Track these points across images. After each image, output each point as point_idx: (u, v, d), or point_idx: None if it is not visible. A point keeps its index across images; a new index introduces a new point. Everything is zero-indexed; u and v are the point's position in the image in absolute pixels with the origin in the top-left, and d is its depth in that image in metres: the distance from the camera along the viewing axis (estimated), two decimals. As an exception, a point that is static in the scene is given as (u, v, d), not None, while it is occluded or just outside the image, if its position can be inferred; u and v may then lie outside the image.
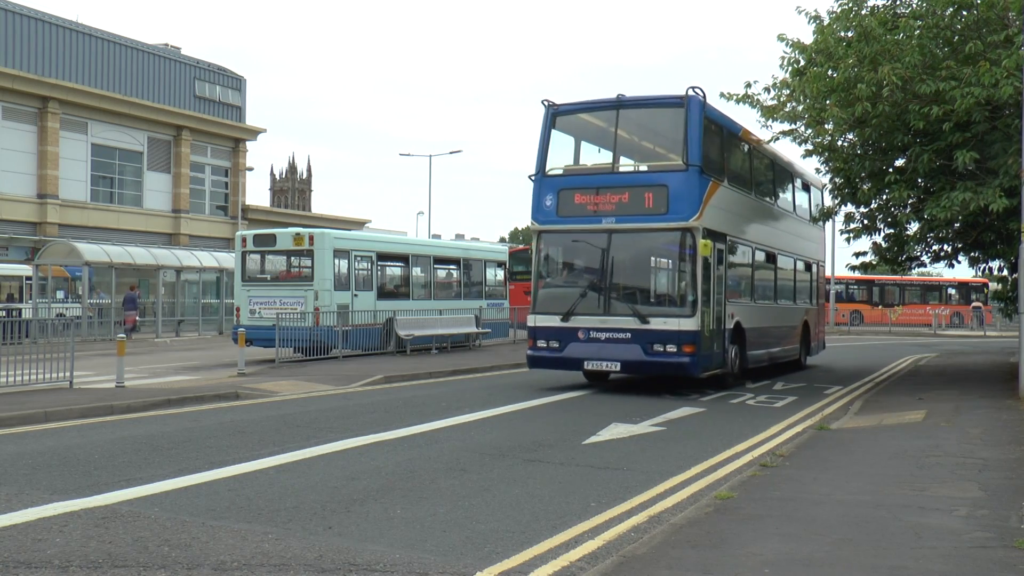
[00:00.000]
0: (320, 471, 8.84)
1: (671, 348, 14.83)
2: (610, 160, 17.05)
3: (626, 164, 17.45)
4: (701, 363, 14.94)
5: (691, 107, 15.69)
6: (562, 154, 17.42)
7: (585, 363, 15.90)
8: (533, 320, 16.58)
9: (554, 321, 16.17)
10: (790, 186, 22.90)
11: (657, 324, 14.88)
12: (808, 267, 24.21)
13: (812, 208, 24.31)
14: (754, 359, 18.13)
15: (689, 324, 14.66)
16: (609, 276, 15.91)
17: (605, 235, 15.85)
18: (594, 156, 17.76)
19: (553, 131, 17.05)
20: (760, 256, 19.10)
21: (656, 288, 16.04)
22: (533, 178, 16.86)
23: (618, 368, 15.63)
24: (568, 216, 16.35)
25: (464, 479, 8.59)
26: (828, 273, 54.43)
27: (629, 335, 15.27)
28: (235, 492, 7.81)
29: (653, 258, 16.26)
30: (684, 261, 14.99)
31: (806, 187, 24.23)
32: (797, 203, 23.37)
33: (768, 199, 20.47)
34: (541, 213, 16.64)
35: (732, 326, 16.30)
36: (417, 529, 6.73)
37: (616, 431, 11.64)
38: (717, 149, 16.91)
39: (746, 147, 18.92)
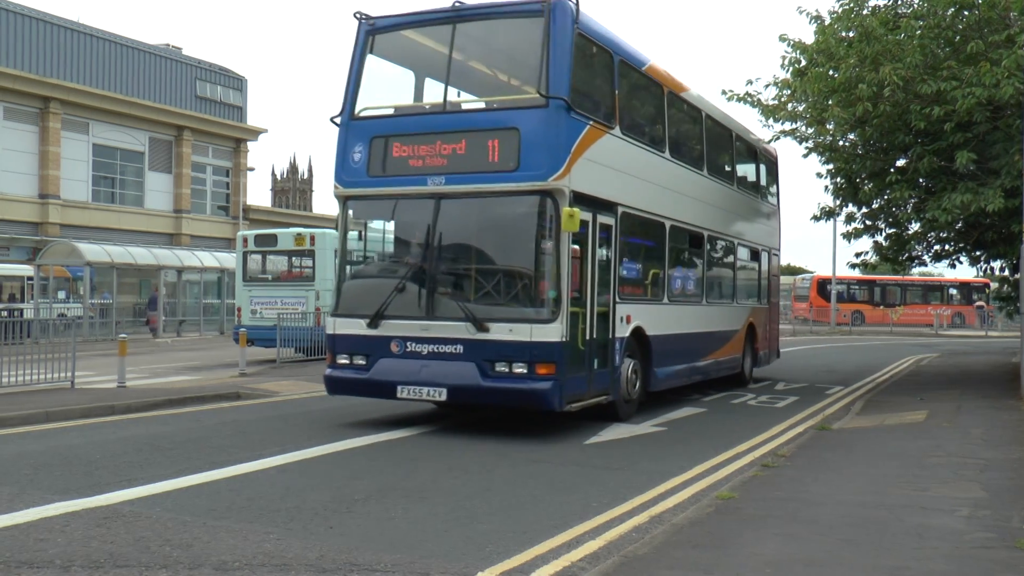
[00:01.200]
0: (322, 471, 8.83)
1: (519, 369, 10.70)
2: (441, 96, 12.08)
3: (467, 101, 12.83)
4: (567, 389, 10.88)
5: (555, 16, 11.10)
6: (388, 91, 12.75)
7: (398, 389, 11.19)
8: (332, 325, 12.00)
9: (359, 327, 11.63)
10: (729, 151, 18.27)
11: (500, 333, 10.75)
12: (755, 255, 19.90)
13: (762, 182, 20.71)
14: (666, 377, 14.21)
15: (547, 332, 10.61)
16: (435, 263, 11.39)
17: (431, 202, 11.36)
18: (433, 93, 12.58)
19: (369, 57, 12.35)
20: (678, 238, 14.92)
21: (502, 280, 11.29)
22: (338, 123, 12.24)
23: (443, 397, 10.99)
24: (383, 176, 11.73)
25: (466, 479, 8.60)
26: (828, 272, 54.98)
27: (461, 348, 11.01)
28: (236, 492, 7.78)
29: (498, 236, 11.60)
30: (543, 240, 10.88)
31: (753, 155, 20.01)
32: (740, 173, 19.03)
33: (693, 164, 15.61)
34: (346, 172, 11.97)
35: (628, 333, 12.56)
36: (418, 529, 6.72)
37: (617, 431, 11.76)
38: (602, 82, 12.54)
39: (658, 90, 14.30)
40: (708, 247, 16.50)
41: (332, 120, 12.35)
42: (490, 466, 9.32)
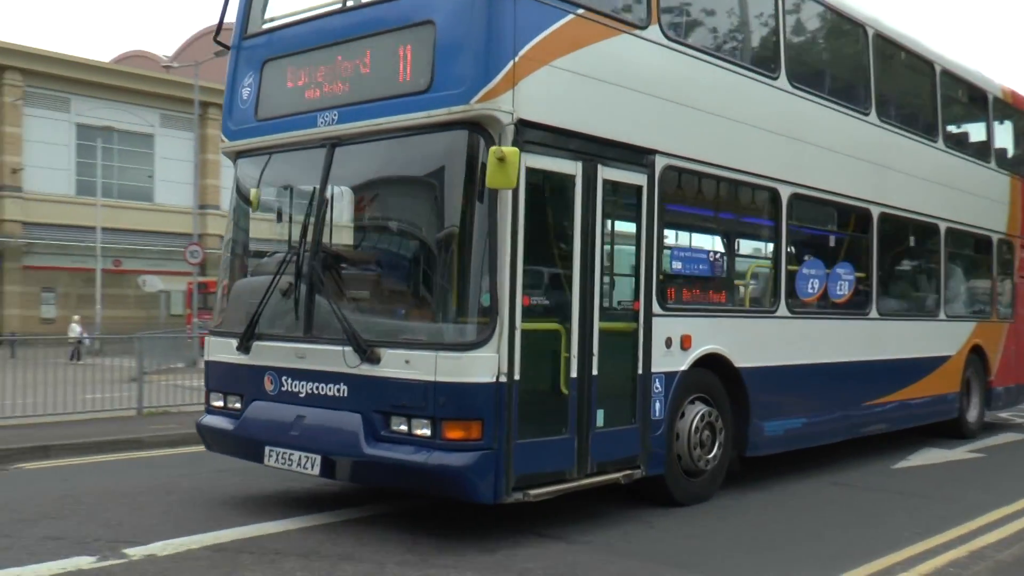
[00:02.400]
0: None
1: (421, 429, 6.26)
2: None
3: None
4: (520, 465, 6.34)
5: None
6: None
7: (266, 452, 7.01)
8: (208, 348, 7.99)
9: (231, 351, 7.54)
10: (927, 86, 11.82)
11: (394, 365, 6.39)
12: (982, 245, 13.25)
13: (997, 138, 13.57)
14: (784, 433, 8.91)
15: (465, 366, 6.16)
16: (317, 249, 6.89)
17: (322, 153, 7.02)
18: None
19: None
20: (811, 214, 9.64)
21: (408, 275, 7.05)
22: (230, 50, 8.11)
23: (315, 470, 6.69)
24: (272, 118, 7.59)
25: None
26: None
27: (344, 390, 6.67)
28: None
29: (403, 201, 7.27)
30: (467, 205, 6.40)
31: (976, 96, 13.23)
32: (950, 122, 12.60)
33: (850, 101, 9.99)
34: (233, 117, 7.95)
35: (689, 364, 7.66)
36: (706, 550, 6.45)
37: (928, 456, 10.91)
38: None
39: None
40: (881, 230, 10.47)
41: (217, 42, 8.19)
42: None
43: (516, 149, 6.09)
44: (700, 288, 8.13)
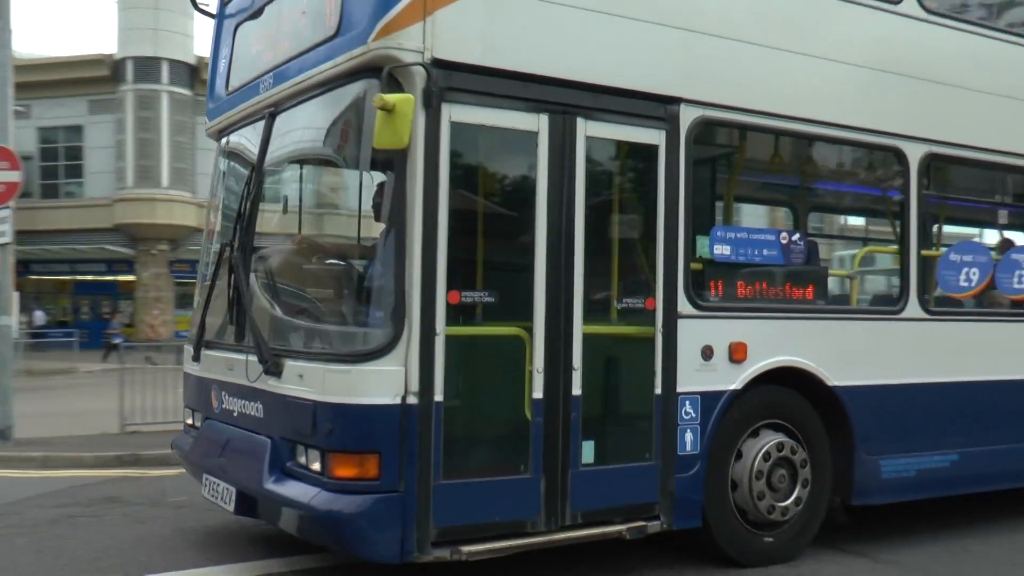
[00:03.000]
0: None
1: (315, 464, 4.84)
2: None
3: None
4: (444, 514, 4.81)
5: None
6: None
7: (203, 480, 5.87)
8: (187, 357, 6.74)
9: (190, 361, 6.54)
10: None
11: (290, 380, 5.05)
12: None
13: None
14: (915, 476, 6.52)
15: (356, 383, 4.72)
16: (241, 237, 5.59)
17: (261, 126, 5.75)
18: None
19: None
20: (968, 178, 7.49)
21: (318, 267, 5.75)
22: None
23: (231, 506, 5.45)
24: (235, 90, 6.36)
25: None
26: None
27: (260, 409, 5.36)
28: None
29: (316, 175, 6.07)
30: (370, 174, 5.06)
31: None
32: None
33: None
34: (213, 94, 6.82)
35: (743, 383, 5.73)
36: None
37: None
38: None
39: None
40: None
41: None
42: None
43: (408, 96, 4.59)
44: (764, 280, 6.06)
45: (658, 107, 5.49)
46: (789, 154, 6.53)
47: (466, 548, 4.84)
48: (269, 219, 5.86)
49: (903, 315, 6.53)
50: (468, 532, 4.89)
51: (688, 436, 5.57)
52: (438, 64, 4.78)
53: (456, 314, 4.88)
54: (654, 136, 5.49)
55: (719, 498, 5.75)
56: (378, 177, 4.87)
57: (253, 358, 5.27)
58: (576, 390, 5.19)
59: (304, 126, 5.49)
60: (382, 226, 4.81)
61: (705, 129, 5.75)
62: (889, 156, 6.57)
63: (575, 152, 5.21)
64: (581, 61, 5.25)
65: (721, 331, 5.71)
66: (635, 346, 5.54)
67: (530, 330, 5.08)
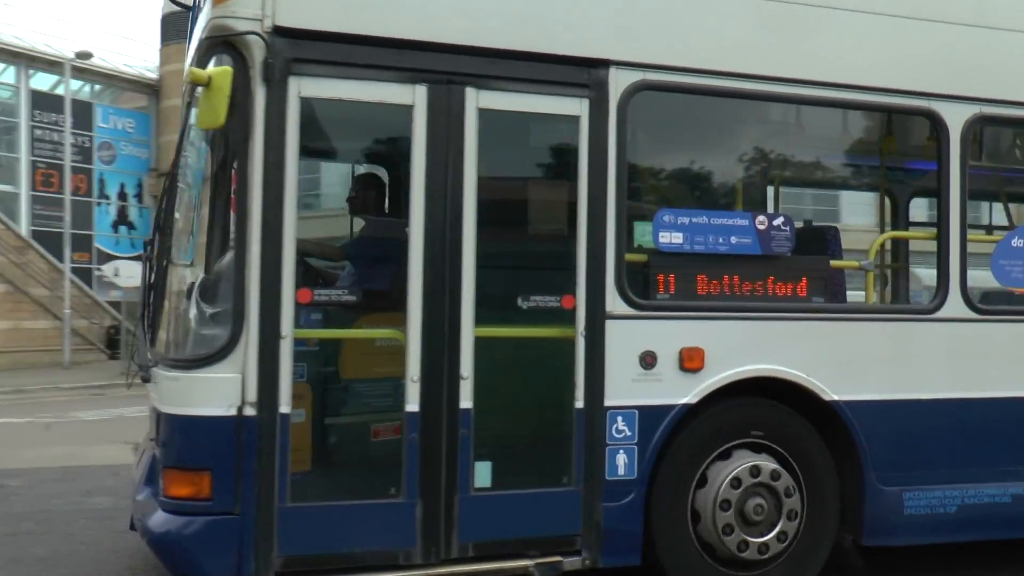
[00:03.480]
0: None
1: (161, 481, 4.29)
2: None
3: None
4: (291, 542, 4.22)
5: None
6: None
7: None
8: None
9: None
10: None
11: (154, 390, 4.68)
12: None
13: None
14: (952, 513, 5.22)
15: (187, 391, 4.24)
16: (153, 234, 4.84)
17: None
18: None
19: None
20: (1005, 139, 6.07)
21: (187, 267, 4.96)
22: None
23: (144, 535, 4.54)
24: None
25: None
26: None
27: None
28: None
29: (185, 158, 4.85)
30: (210, 159, 4.55)
31: None
32: None
33: None
34: None
35: (703, 395, 4.80)
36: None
37: None
38: None
39: None
40: None
41: None
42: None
43: (225, 69, 4.08)
44: (733, 274, 5.06)
45: (579, 72, 4.66)
46: (775, 123, 5.46)
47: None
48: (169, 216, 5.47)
49: (940, 314, 5.30)
50: (322, 563, 4.32)
51: (621, 458, 4.71)
52: (281, 32, 4.21)
53: (310, 315, 4.32)
54: (573, 106, 4.66)
55: (674, 531, 4.85)
56: (221, 162, 4.36)
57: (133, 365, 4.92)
58: (465, 403, 4.47)
59: (185, 115, 5.07)
60: (218, 215, 4.32)
61: (647, 96, 4.83)
62: (918, 122, 5.35)
63: (463, 127, 4.48)
64: (472, 21, 4.53)
65: (668, 334, 4.79)
66: (550, 352, 4.75)
67: (404, 333, 4.43)
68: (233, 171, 4.25)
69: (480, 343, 4.52)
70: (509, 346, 4.69)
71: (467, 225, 4.48)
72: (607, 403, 4.66)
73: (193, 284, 4.47)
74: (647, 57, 4.76)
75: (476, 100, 4.50)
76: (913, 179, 5.87)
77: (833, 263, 5.38)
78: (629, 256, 4.80)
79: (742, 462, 4.93)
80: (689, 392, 4.79)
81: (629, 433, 4.71)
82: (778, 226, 5.03)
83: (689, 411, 4.80)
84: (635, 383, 4.71)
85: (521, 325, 4.71)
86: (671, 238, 4.84)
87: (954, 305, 5.28)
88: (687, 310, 4.87)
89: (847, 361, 5.10)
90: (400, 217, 4.47)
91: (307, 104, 4.29)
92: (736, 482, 4.89)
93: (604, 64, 4.67)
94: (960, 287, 5.29)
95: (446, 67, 4.46)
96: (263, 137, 4.19)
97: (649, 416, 4.73)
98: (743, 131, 5.52)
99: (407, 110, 4.41)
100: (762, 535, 4.95)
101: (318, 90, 4.31)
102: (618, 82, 4.68)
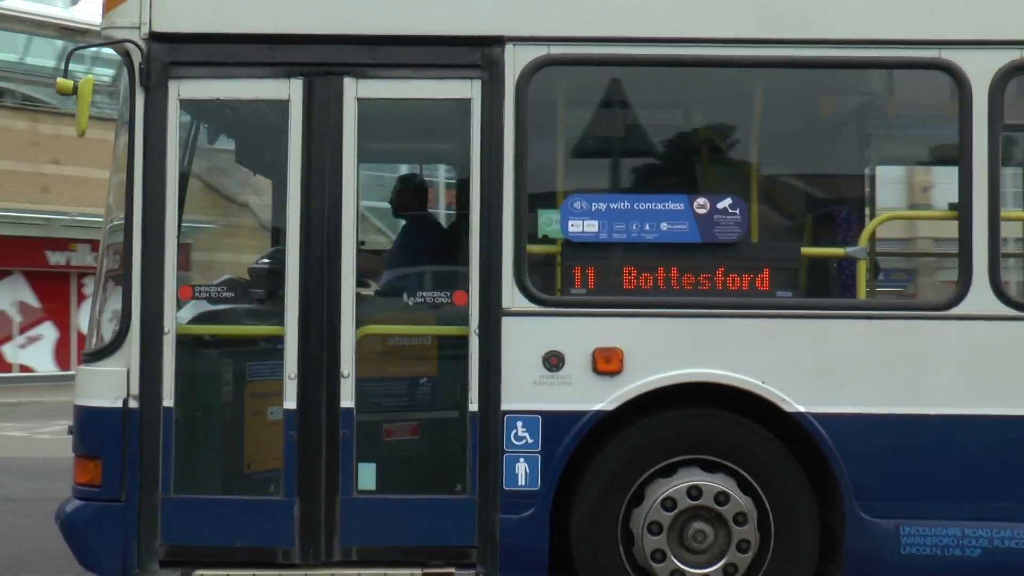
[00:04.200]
0: None
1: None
2: None
3: None
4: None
5: None
6: None
7: None
8: None
9: None
10: None
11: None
12: None
13: None
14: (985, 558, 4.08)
15: (87, 383, 4.45)
16: None
17: None
18: None
19: None
20: None
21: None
22: None
23: None
24: None
25: None
26: None
27: None
28: None
29: None
30: (114, 162, 4.55)
31: None
32: None
33: None
34: None
35: (620, 402, 4.20)
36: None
37: None
38: None
39: None
40: None
41: None
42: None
43: (87, 79, 4.34)
44: (672, 265, 4.36)
45: (469, 52, 4.35)
46: (723, 93, 4.66)
47: (200, 572, 4.36)
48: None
49: (960, 310, 4.28)
50: (205, 554, 4.41)
51: (521, 467, 4.32)
52: (157, 38, 4.36)
53: (195, 311, 4.44)
54: (463, 88, 4.36)
55: (598, 553, 4.37)
56: (116, 165, 4.58)
57: None
58: (346, 401, 4.35)
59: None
60: (114, 216, 4.55)
61: (553, 72, 4.38)
62: (932, 77, 4.35)
63: (341, 119, 4.36)
64: (349, 9, 4.39)
65: (578, 333, 4.32)
66: (442, 351, 4.49)
67: (284, 331, 4.40)
68: (124, 175, 4.46)
69: (362, 341, 4.38)
70: (396, 344, 4.49)
71: (346, 219, 4.35)
72: (504, 407, 4.30)
73: (100, 283, 4.73)
74: (551, 30, 4.32)
75: (355, 90, 4.36)
76: (917, 147, 4.77)
77: (806, 250, 4.53)
78: (532, 248, 4.39)
79: (681, 481, 4.32)
80: (605, 398, 4.28)
81: (531, 440, 4.31)
82: (723, 209, 4.34)
83: (607, 419, 4.30)
84: (538, 386, 4.30)
85: (409, 322, 4.49)
86: (583, 226, 4.35)
87: (979, 298, 4.24)
88: (601, 306, 4.36)
89: (820, 367, 4.29)
90: (276, 214, 4.43)
91: (188, 105, 4.42)
92: (670, 503, 4.30)
93: (498, 41, 4.32)
94: (990, 276, 4.24)
95: (322, 58, 4.37)
96: (143, 139, 4.36)
97: (555, 423, 4.30)
98: (678, 103, 4.81)
99: (283, 104, 4.38)
100: (704, 565, 4.31)
101: (197, 92, 4.42)
102: (516, 60, 4.30)
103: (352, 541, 4.36)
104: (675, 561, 4.30)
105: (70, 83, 4.28)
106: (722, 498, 4.29)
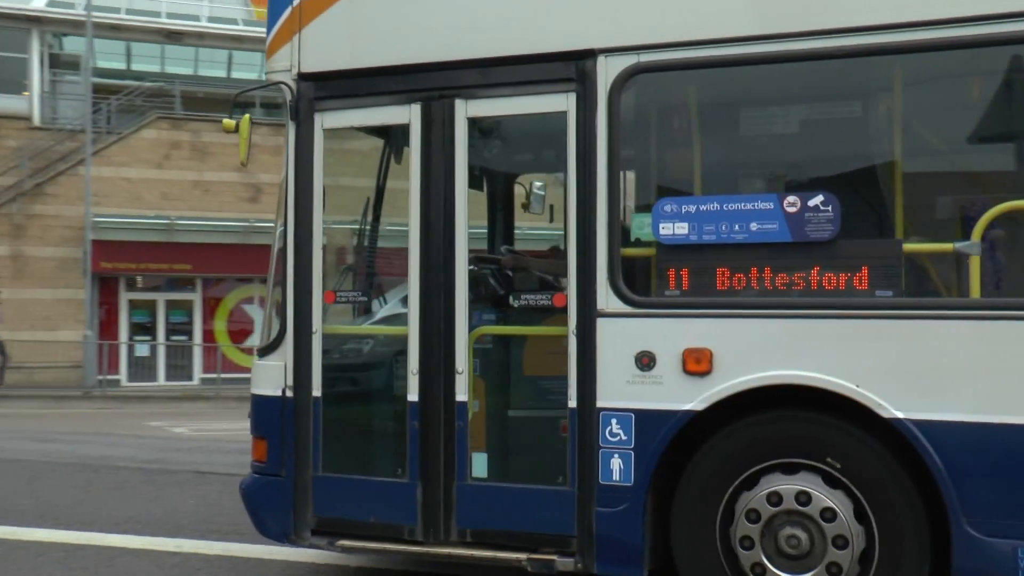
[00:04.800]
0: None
1: None
2: None
3: None
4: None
5: None
6: None
7: None
8: None
9: None
10: None
11: None
12: None
13: None
14: None
15: (258, 376, 5.23)
16: None
17: None
18: None
19: None
20: None
21: None
22: None
23: None
24: None
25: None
26: None
27: None
28: None
29: None
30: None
31: None
32: None
33: None
34: None
35: (709, 402, 4.15)
36: None
37: None
38: None
39: None
40: None
41: None
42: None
43: (244, 117, 5.07)
44: (765, 265, 4.32)
45: (564, 67, 4.60)
46: (810, 89, 4.45)
47: (342, 541, 4.97)
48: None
49: None
50: (347, 527, 4.99)
51: (616, 462, 4.50)
52: (305, 77, 5.03)
53: (337, 313, 5.05)
54: (559, 102, 4.62)
55: (699, 551, 4.46)
56: (280, 189, 5.27)
57: None
58: (461, 395, 4.77)
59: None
60: (279, 232, 5.26)
61: (644, 79, 4.52)
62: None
63: (454, 138, 4.79)
64: (455, 39, 4.80)
65: (668, 334, 4.42)
66: (547, 350, 4.74)
67: (408, 330, 4.89)
68: (282, 199, 5.18)
69: (475, 340, 4.77)
70: (505, 344, 4.82)
71: (459, 229, 4.77)
72: (600, 404, 4.51)
73: (269, 288, 5.47)
74: (638, 39, 4.48)
75: (465, 110, 4.77)
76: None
77: (909, 247, 4.27)
78: (627, 251, 4.55)
79: (768, 488, 4.29)
80: (694, 398, 4.36)
81: (624, 437, 4.48)
82: (814, 207, 4.26)
83: (694, 418, 4.37)
84: (631, 385, 4.46)
85: (516, 323, 4.81)
86: (674, 229, 4.46)
87: None
88: (690, 307, 4.43)
89: (922, 371, 4.09)
90: (402, 227, 4.92)
91: (331, 134, 5.04)
92: (752, 515, 4.30)
93: (590, 54, 4.54)
94: None
95: (436, 84, 4.82)
96: (294, 166, 5.05)
97: (647, 421, 4.44)
98: (761, 102, 4.63)
99: (406, 128, 4.89)
100: (802, 572, 4.25)
101: (337, 121, 5.03)
102: (608, 70, 4.50)
103: (467, 523, 4.76)
104: (760, 555, 4.27)
105: (233, 123, 5.05)
106: (803, 498, 4.20)
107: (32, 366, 24.68)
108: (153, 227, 26.31)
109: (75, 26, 28.87)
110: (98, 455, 11.06)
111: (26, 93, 28.22)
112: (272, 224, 5.42)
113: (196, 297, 27.98)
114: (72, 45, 31.10)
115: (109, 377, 25.18)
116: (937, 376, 4.06)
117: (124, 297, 27.50)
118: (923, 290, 4.40)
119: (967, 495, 3.98)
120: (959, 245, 4.15)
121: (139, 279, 27.51)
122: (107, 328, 26.81)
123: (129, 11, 29.51)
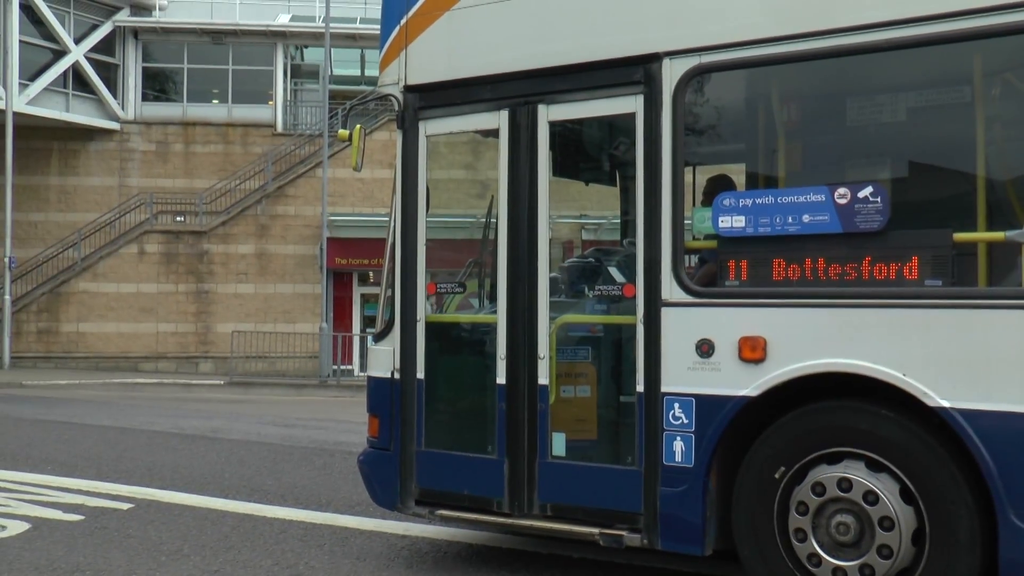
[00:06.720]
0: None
1: None
2: None
3: None
4: (425, 475, 5.44)
5: None
6: None
7: None
8: None
9: None
10: None
11: None
12: None
13: None
14: None
15: (373, 360, 5.85)
16: None
17: None
18: None
19: None
20: None
21: None
22: None
23: None
24: None
25: None
26: None
27: None
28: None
29: None
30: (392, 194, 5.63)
31: None
32: None
33: None
34: None
35: (763, 389, 4.14)
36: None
37: None
38: None
39: None
40: None
41: None
42: None
43: (357, 128, 5.65)
44: (818, 256, 4.38)
45: (632, 71, 4.86)
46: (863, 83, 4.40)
47: (441, 511, 5.47)
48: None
49: None
50: (446, 498, 5.48)
51: (678, 445, 4.74)
52: (411, 89, 5.56)
53: (436, 303, 5.55)
54: (628, 104, 4.89)
55: (754, 528, 4.62)
56: (392, 197, 5.80)
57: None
58: (543, 379, 5.14)
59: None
60: (391, 231, 5.81)
61: (706, 80, 4.71)
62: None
63: (536, 140, 5.16)
64: (536, 47, 5.16)
65: (725, 323, 4.61)
66: (617, 337, 5.02)
67: (497, 319, 5.31)
68: (392, 202, 5.73)
69: (557, 328, 5.12)
70: (580, 330, 5.12)
71: (541, 227, 5.14)
72: (663, 389, 4.76)
73: (383, 280, 6.00)
74: (700, 41, 4.68)
75: (547, 114, 5.14)
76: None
77: (959, 236, 4.20)
78: (691, 244, 4.77)
79: (820, 474, 4.39)
80: (750, 384, 4.53)
81: (686, 421, 4.71)
82: (864, 198, 4.32)
83: (749, 404, 4.52)
84: (692, 371, 4.68)
85: (592, 313, 5.11)
86: (732, 222, 4.63)
87: None
88: (746, 296, 4.58)
89: (969, 360, 4.07)
90: (493, 225, 5.34)
91: (433, 140, 5.54)
92: (801, 506, 4.42)
93: (655, 58, 4.78)
94: None
95: (521, 91, 5.21)
96: (401, 171, 5.59)
97: (706, 405, 4.65)
98: (820, 96, 4.59)
99: (496, 132, 5.31)
100: (850, 558, 4.33)
101: (438, 128, 5.52)
102: (672, 72, 4.73)
103: (547, 498, 5.13)
104: (814, 544, 4.36)
105: (346, 132, 5.64)
106: (845, 484, 4.27)
107: (274, 356, 26.97)
108: (384, 224, 27.80)
109: (315, 38, 31.37)
110: (334, 440, 11.78)
111: (271, 103, 30.74)
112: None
113: (424, 290, 29.53)
114: (311, 56, 33.74)
115: (343, 367, 27.03)
116: (985, 366, 4.03)
117: (357, 291, 29.50)
118: (972, 279, 4.35)
119: (1013, 485, 3.94)
120: (1010, 234, 4.09)
121: (371, 274, 29.36)
122: (341, 320, 28.86)
123: (363, 20, 31.54)
